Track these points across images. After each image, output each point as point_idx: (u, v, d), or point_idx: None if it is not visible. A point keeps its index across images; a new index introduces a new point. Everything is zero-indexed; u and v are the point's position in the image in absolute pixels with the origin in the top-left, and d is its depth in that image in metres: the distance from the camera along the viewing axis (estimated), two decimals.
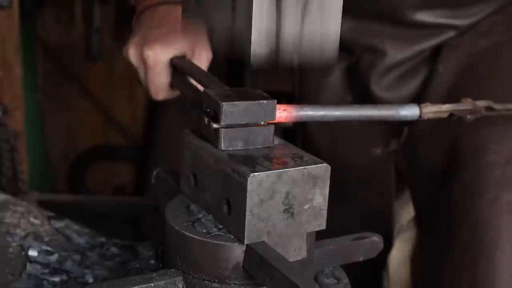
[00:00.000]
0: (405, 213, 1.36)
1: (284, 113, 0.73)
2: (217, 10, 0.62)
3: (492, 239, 1.02)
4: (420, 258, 1.29)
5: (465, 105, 0.84)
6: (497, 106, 0.86)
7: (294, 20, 0.59)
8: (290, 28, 0.59)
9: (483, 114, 0.84)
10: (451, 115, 0.83)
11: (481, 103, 0.85)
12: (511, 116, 1.06)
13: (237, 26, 0.59)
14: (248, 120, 0.67)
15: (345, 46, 1.24)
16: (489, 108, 0.86)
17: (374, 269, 1.40)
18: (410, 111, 0.80)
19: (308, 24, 0.59)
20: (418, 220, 1.30)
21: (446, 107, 0.83)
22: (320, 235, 0.71)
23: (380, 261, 1.36)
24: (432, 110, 0.81)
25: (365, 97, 1.24)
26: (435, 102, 0.82)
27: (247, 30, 0.58)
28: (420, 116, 0.80)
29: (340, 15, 0.62)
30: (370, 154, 1.29)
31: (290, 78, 1.46)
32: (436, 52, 1.19)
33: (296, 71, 1.42)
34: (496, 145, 1.07)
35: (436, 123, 1.15)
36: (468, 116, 0.84)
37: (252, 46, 0.58)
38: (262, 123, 0.68)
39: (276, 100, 0.69)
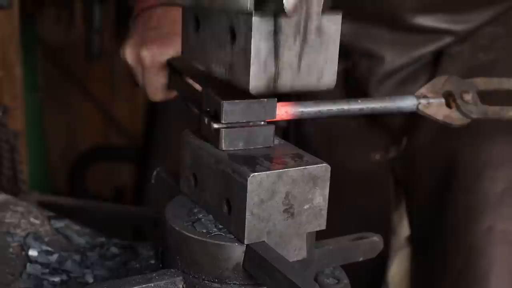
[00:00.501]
0: (404, 227, 1.35)
1: (284, 110, 0.73)
2: (216, 47, 0.63)
3: (484, 268, 1.04)
4: (415, 280, 1.30)
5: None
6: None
7: (293, 50, 0.60)
8: (288, 57, 0.59)
9: (473, 118, 0.85)
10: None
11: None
12: (508, 132, 1.07)
13: (236, 61, 0.60)
14: (249, 119, 0.67)
15: (342, 49, 1.23)
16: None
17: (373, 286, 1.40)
18: (408, 103, 0.83)
19: (307, 53, 0.60)
20: (412, 238, 1.30)
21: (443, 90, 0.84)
22: (320, 236, 0.71)
23: (378, 277, 1.36)
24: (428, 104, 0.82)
25: None
26: None
27: (246, 64, 0.59)
28: (417, 108, 0.83)
29: (338, 42, 0.65)
30: (369, 160, 1.28)
31: None
32: (435, 58, 1.18)
33: None
34: (493, 172, 1.09)
35: (435, 137, 1.15)
36: (455, 123, 0.85)
37: (251, 78, 0.58)
38: (263, 122, 0.69)
39: (276, 98, 0.69)
